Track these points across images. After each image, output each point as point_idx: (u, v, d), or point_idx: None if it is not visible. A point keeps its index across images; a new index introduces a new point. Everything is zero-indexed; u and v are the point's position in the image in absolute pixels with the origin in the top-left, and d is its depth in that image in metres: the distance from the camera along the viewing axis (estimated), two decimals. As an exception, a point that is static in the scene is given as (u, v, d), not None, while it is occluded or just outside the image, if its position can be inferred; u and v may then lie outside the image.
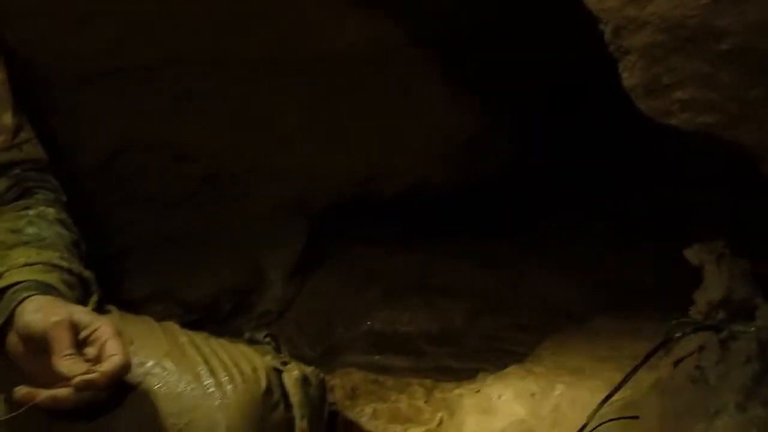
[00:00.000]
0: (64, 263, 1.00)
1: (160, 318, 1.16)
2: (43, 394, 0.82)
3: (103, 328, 0.87)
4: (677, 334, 1.20)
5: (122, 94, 1.48)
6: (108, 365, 0.83)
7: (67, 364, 0.83)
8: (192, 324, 1.45)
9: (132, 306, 1.50)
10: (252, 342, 1.17)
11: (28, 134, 1.17)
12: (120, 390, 0.88)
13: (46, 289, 0.94)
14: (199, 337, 1.05)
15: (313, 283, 1.74)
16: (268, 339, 1.18)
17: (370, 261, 1.84)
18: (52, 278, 0.96)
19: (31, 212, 1.08)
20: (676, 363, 1.18)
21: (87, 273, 1.03)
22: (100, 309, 1.03)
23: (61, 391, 0.82)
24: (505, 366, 1.45)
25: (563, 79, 1.83)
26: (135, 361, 0.94)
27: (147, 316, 1.11)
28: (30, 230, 1.04)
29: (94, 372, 0.83)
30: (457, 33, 1.57)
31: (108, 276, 1.32)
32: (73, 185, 1.28)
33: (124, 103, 1.49)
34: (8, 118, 1.14)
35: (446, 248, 1.93)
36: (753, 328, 1.12)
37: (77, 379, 0.82)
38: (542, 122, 1.95)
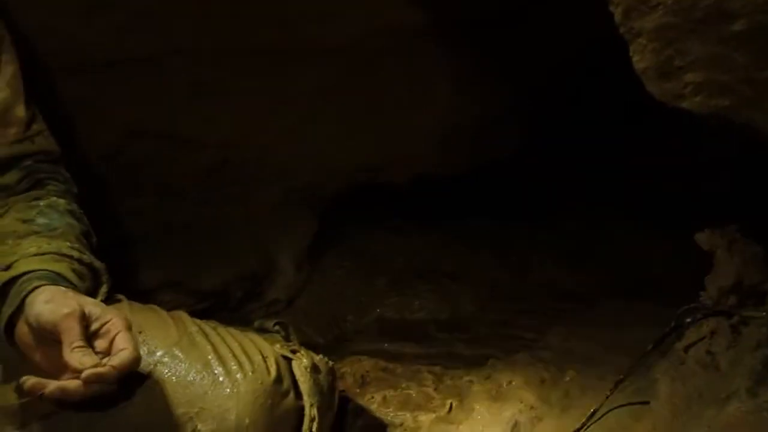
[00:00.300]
0: (74, 253, 1.00)
1: (170, 307, 1.16)
2: (52, 385, 0.83)
3: (113, 320, 0.87)
4: (688, 320, 1.19)
5: (130, 85, 1.48)
6: (118, 359, 0.84)
7: (77, 356, 0.84)
8: (202, 312, 1.46)
9: (142, 295, 1.50)
10: (261, 330, 1.18)
11: (40, 126, 1.17)
12: (130, 380, 0.89)
13: (56, 278, 0.94)
14: (209, 326, 1.06)
15: (322, 270, 1.74)
16: (277, 327, 1.18)
17: (379, 248, 1.84)
18: (62, 268, 0.97)
19: (42, 203, 1.08)
20: (687, 348, 1.17)
21: (97, 263, 1.03)
22: (110, 299, 1.03)
23: (71, 383, 0.83)
24: (515, 352, 1.45)
25: (575, 65, 1.82)
26: (144, 350, 0.94)
27: (156, 306, 1.12)
28: (41, 220, 1.04)
29: (104, 365, 0.83)
30: (467, 19, 1.55)
31: (118, 265, 1.32)
32: (83, 174, 1.28)
33: (131, 94, 1.49)
34: (21, 111, 1.14)
35: (456, 234, 1.93)
36: (764, 313, 1.11)
37: (87, 372, 0.82)
38: (554, 108, 1.94)
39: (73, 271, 0.98)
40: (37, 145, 1.15)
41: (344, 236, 1.85)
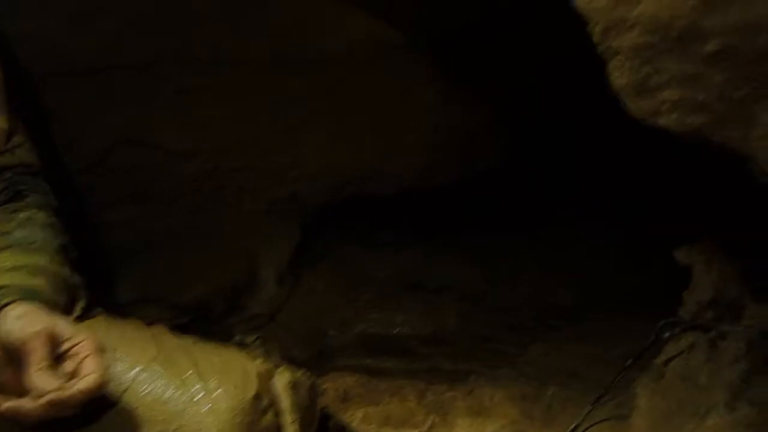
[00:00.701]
0: (51, 267, 0.99)
1: (150, 320, 1.15)
2: (7, 403, 0.81)
3: (84, 342, 0.85)
4: (667, 334, 1.20)
5: (116, 92, 1.47)
6: (82, 384, 0.81)
7: (38, 378, 0.81)
8: (182, 326, 1.45)
9: (122, 308, 1.49)
10: (242, 345, 1.17)
11: (20, 138, 1.16)
12: (102, 401, 0.87)
13: (31, 294, 0.92)
14: (188, 341, 1.05)
15: (305, 283, 1.73)
16: (258, 342, 1.17)
17: (364, 261, 1.84)
18: (38, 283, 0.95)
19: (20, 215, 1.07)
20: (666, 363, 1.18)
21: (75, 278, 1.02)
22: (87, 313, 1.02)
23: (26, 404, 0.80)
24: (498, 367, 1.45)
25: (561, 76, 1.83)
26: (121, 366, 0.93)
27: (135, 320, 1.11)
28: (18, 233, 1.03)
29: (66, 390, 0.81)
30: (454, 31, 1.57)
31: (98, 276, 1.31)
32: (66, 183, 1.27)
33: (117, 101, 1.48)
34: (2, 122, 1.13)
35: (441, 248, 1.93)
36: (741, 328, 1.12)
37: (46, 398, 0.79)
38: (540, 121, 1.95)
39: (49, 286, 0.96)
40: (18, 158, 1.14)
41: (328, 249, 1.84)
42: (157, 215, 1.64)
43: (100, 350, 0.86)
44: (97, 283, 1.12)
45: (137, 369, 0.94)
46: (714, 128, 0.74)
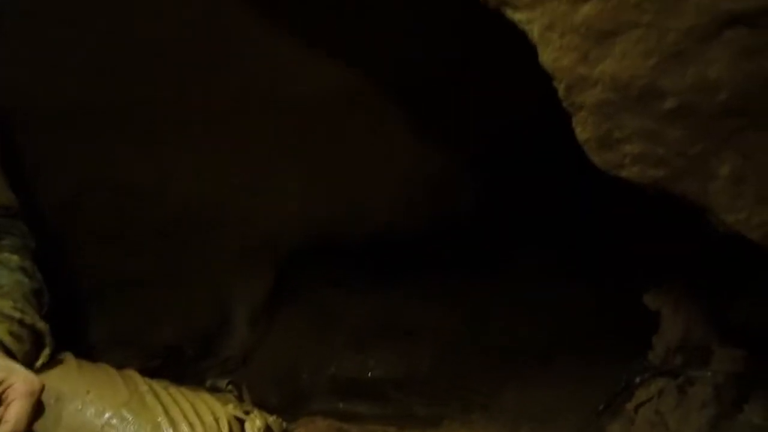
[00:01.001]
0: (16, 314, 0.98)
1: (120, 363, 1.14)
2: None
3: (14, 387, 0.85)
4: (637, 379, 1.22)
5: (89, 136, 1.48)
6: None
7: None
8: (154, 370, 1.43)
9: (92, 350, 1.47)
10: (214, 390, 1.16)
11: None
12: None
13: None
14: (160, 386, 1.04)
15: (278, 326, 1.73)
16: (230, 387, 1.17)
17: (336, 304, 1.84)
18: None
19: None
20: (637, 408, 1.20)
21: (41, 324, 1.01)
22: (55, 358, 1.01)
23: None
24: (471, 412, 1.45)
25: (531, 122, 1.87)
26: (92, 410, 0.93)
27: (106, 364, 1.10)
28: None
29: None
30: (423, 77, 1.60)
31: (69, 318, 1.30)
32: (37, 226, 1.27)
33: (90, 145, 1.49)
34: None
35: (413, 290, 1.93)
36: (709, 373, 1.14)
37: None
38: (509, 164, 1.99)
39: (11, 333, 0.96)
40: None
41: (301, 292, 1.84)
42: (128, 258, 1.63)
43: (30, 395, 0.85)
44: (67, 324, 1.11)
45: (109, 414, 0.94)
46: (673, 181, 0.78)
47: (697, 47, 0.72)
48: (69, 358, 1.05)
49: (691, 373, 1.17)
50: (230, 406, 1.06)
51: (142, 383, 1.04)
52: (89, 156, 1.50)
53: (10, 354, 0.92)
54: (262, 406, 1.17)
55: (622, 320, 1.74)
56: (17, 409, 0.83)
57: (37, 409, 0.88)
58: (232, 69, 1.49)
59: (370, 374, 1.64)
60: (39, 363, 0.98)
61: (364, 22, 1.45)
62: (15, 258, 1.08)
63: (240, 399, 1.15)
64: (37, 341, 1.00)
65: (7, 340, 0.94)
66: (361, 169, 1.69)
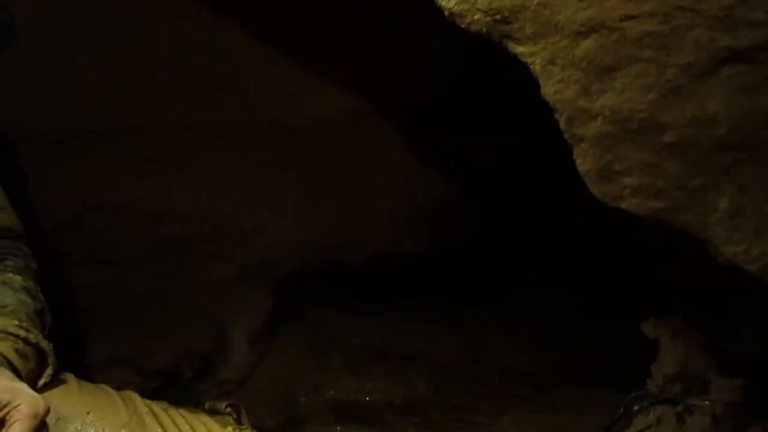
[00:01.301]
0: (20, 332, 0.98)
1: (119, 384, 1.14)
2: None
3: (18, 408, 0.84)
4: (635, 407, 1.22)
5: (88, 158, 1.50)
6: None
7: None
8: (152, 391, 1.43)
9: (91, 371, 1.47)
10: (213, 412, 1.15)
11: (1, 203, 1.16)
12: None
13: None
14: (159, 407, 1.04)
15: (276, 349, 1.72)
16: (228, 409, 1.16)
17: (335, 327, 1.84)
18: (4, 347, 0.94)
19: None
20: (636, 436, 1.20)
21: (44, 343, 1.01)
22: (56, 378, 1.01)
23: None
24: (469, 438, 1.45)
25: (528, 148, 1.89)
26: (92, 431, 0.92)
27: (106, 385, 1.09)
28: None
29: None
30: (422, 103, 1.62)
31: (68, 338, 1.30)
32: (37, 245, 1.27)
33: (90, 167, 1.50)
34: None
35: (412, 314, 1.94)
36: (707, 402, 1.14)
37: None
38: (508, 190, 2.00)
39: (16, 351, 0.96)
40: None
41: (299, 314, 1.85)
42: (125, 279, 1.64)
43: (33, 417, 0.85)
44: (66, 345, 1.11)
45: (107, 436, 0.94)
46: (673, 213, 0.79)
47: (696, 82, 0.73)
48: (70, 378, 1.05)
49: (689, 401, 1.17)
50: (229, 429, 1.05)
51: (142, 405, 1.03)
52: (90, 177, 1.52)
53: (15, 371, 0.93)
54: (260, 428, 1.17)
55: (620, 348, 1.75)
56: (18, 430, 0.84)
57: (39, 430, 0.88)
58: (233, 92, 1.50)
59: (368, 398, 1.64)
60: (41, 382, 0.98)
61: (364, 49, 1.47)
62: (18, 278, 1.09)
63: (238, 421, 1.14)
64: (40, 360, 1.00)
65: (13, 357, 0.94)
66: (361, 193, 1.70)
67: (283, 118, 1.56)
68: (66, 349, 1.10)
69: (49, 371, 0.99)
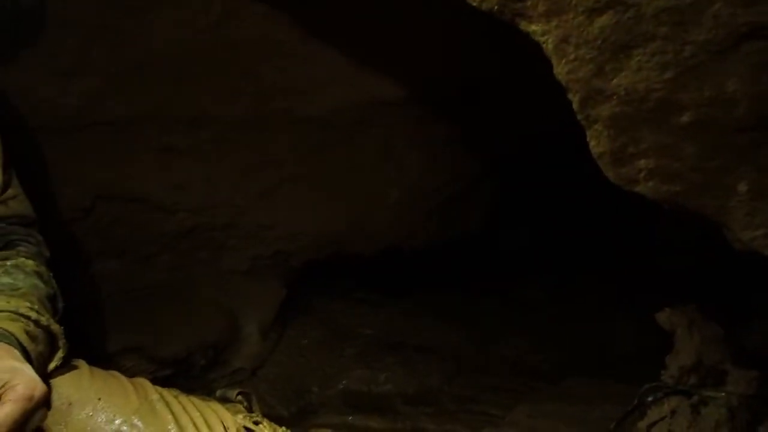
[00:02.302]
0: (32, 314, 0.98)
1: (132, 373, 1.14)
2: None
3: (14, 388, 0.85)
4: (650, 398, 1.20)
5: (102, 148, 1.49)
6: None
7: None
8: (164, 379, 1.43)
9: (104, 359, 1.47)
10: (224, 400, 1.15)
11: (15, 191, 1.17)
12: None
13: (7, 337, 0.92)
14: (171, 394, 1.04)
15: (289, 339, 1.72)
16: (240, 397, 1.16)
17: (347, 318, 1.84)
18: (15, 328, 0.95)
19: (9, 263, 1.07)
20: (650, 427, 1.18)
21: (55, 327, 1.01)
22: (67, 364, 1.01)
23: None
24: (480, 429, 1.44)
25: (542, 140, 1.88)
26: (103, 417, 0.92)
27: (117, 372, 1.10)
28: (5, 279, 1.03)
29: None
30: (437, 96, 1.61)
31: (82, 328, 1.30)
32: (51, 236, 1.27)
33: (103, 156, 1.50)
34: None
35: (424, 306, 1.93)
36: (723, 394, 1.13)
37: None
38: (521, 184, 1.99)
39: (27, 332, 0.96)
40: (11, 209, 1.15)
41: (312, 305, 1.84)
42: (141, 269, 1.64)
43: (27, 399, 0.85)
44: (80, 333, 1.11)
45: (119, 420, 0.94)
46: (689, 197, 0.77)
47: (714, 60, 0.71)
48: (82, 364, 1.05)
49: (705, 393, 1.16)
50: (240, 416, 1.05)
51: (153, 392, 1.03)
52: (102, 170, 1.51)
53: (24, 353, 0.93)
54: (272, 417, 1.16)
55: (634, 341, 1.73)
56: (7, 410, 0.83)
57: (46, 413, 0.88)
58: (247, 83, 1.50)
59: (380, 389, 1.63)
60: (52, 365, 0.98)
61: (377, 43, 1.46)
62: (31, 263, 1.09)
63: (249, 410, 1.14)
64: (51, 343, 1.00)
65: (23, 338, 0.95)
66: (373, 186, 1.70)
67: (297, 109, 1.55)
68: (80, 338, 1.10)
69: (59, 354, 1.00)
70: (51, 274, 1.12)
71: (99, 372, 1.06)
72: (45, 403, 0.90)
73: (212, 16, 1.42)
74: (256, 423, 1.05)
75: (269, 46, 1.45)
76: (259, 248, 1.71)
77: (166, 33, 1.40)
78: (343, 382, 1.64)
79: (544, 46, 0.76)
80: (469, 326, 1.90)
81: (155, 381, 1.09)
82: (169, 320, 1.58)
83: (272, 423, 1.09)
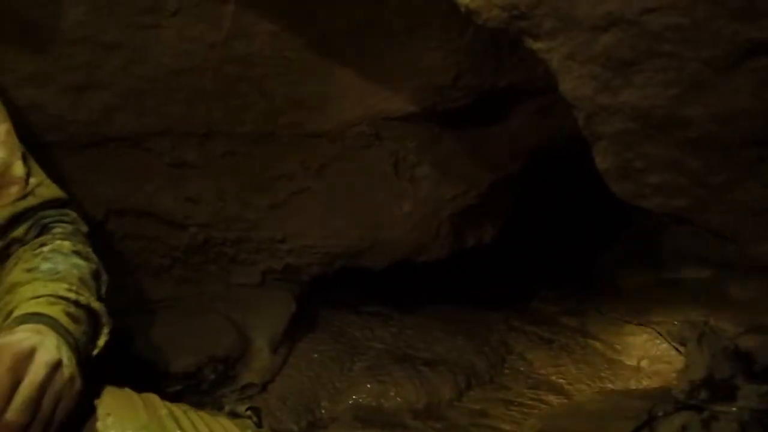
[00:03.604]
0: (71, 295, 0.99)
1: (140, 388, 1.14)
2: None
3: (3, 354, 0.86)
4: (660, 413, 1.20)
5: (113, 163, 1.51)
6: None
7: None
8: (174, 395, 1.43)
9: (114, 375, 1.48)
10: (233, 415, 1.16)
11: (38, 179, 1.17)
12: None
13: (41, 319, 0.93)
14: (179, 410, 1.04)
15: (299, 353, 1.72)
16: (249, 413, 1.16)
17: (357, 332, 1.84)
18: (54, 310, 0.95)
19: (46, 249, 1.07)
20: (661, 443, 1.17)
21: (96, 305, 1.02)
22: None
23: None
24: (491, 442, 1.43)
25: (551, 154, 1.88)
26: (112, 433, 0.93)
27: (127, 387, 1.10)
28: (45, 266, 1.03)
29: None
30: (446, 110, 1.61)
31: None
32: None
33: (115, 172, 1.52)
34: (19, 168, 1.14)
35: (435, 319, 1.93)
36: (734, 409, 1.12)
37: None
38: (533, 196, 1.99)
39: (68, 314, 0.96)
40: (40, 197, 1.15)
41: (322, 319, 1.84)
42: (151, 283, 1.65)
43: (10, 367, 0.85)
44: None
45: (127, 437, 0.94)
46: (696, 212, 0.77)
47: (718, 76, 0.71)
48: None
49: (716, 408, 1.15)
50: (248, 432, 1.05)
51: (162, 407, 1.04)
52: (114, 184, 1.53)
53: (68, 334, 0.93)
54: (281, 432, 1.16)
55: (644, 355, 1.72)
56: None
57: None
58: (258, 98, 1.51)
59: (390, 403, 1.62)
60: (101, 342, 1.00)
61: (387, 55, 1.47)
62: (67, 244, 1.09)
63: (259, 425, 1.14)
64: (94, 322, 1.01)
65: (65, 320, 0.95)
66: (384, 199, 1.70)
67: (307, 123, 1.56)
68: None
69: (105, 330, 1.00)
70: (90, 249, 1.12)
71: (108, 388, 1.06)
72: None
73: (222, 33, 1.43)
74: (265, 439, 1.06)
75: (279, 62, 1.47)
76: (270, 262, 1.72)
77: (176, 49, 1.41)
78: (353, 396, 1.63)
79: (549, 63, 0.77)
80: (479, 338, 1.89)
81: (164, 396, 1.09)
82: (179, 335, 1.59)
83: (281, 438, 1.09)
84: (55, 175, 1.43)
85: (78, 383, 0.92)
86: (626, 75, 0.73)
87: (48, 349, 0.89)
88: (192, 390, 1.52)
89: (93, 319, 1.01)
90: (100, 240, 1.53)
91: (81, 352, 0.95)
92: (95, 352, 1.00)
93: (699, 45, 0.70)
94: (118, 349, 1.55)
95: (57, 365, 0.89)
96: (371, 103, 1.55)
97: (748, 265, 0.81)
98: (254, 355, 1.64)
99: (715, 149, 0.74)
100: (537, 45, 0.76)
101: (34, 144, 1.39)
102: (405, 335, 1.85)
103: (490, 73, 1.55)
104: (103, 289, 1.09)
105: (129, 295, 1.61)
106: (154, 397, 1.07)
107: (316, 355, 1.72)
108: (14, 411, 0.84)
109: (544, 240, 2.10)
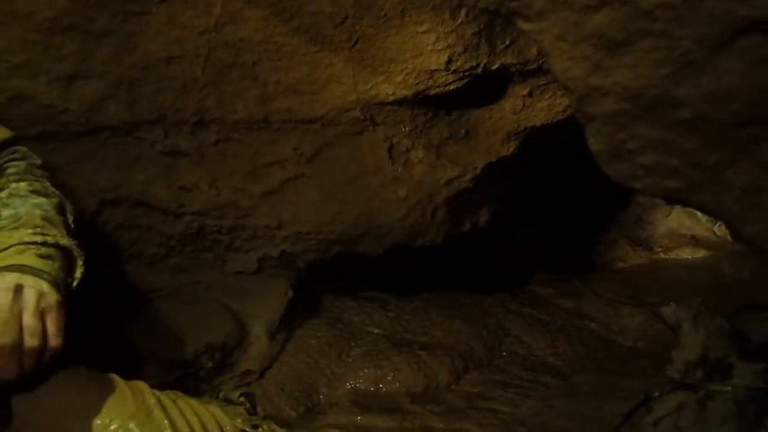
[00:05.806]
0: (37, 238, 0.98)
1: (139, 377, 1.14)
2: None
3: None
4: (656, 393, 1.20)
5: (106, 152, 1.50)
6: None
7: None
8: (172, 383, 1.43)
9: (111, 363, 1.48)
10: (227, 402, 1.16)
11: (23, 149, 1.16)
12: None
13: (22, 270, 0.93)
14: (169, 398, 1.04)
15: (296, 340, 1.72)
16: (242, 399, 1.16)
17: (355, 317, 1.84)
18: (25, 258, 0.95)
19: (3, 194, 1.06)
20: (657, 423, 1.18)
21: (64, 241, 1.00)
22: (63, 372, 1.01)
23: None
24: (490, 426, 1.43)
25: (546, 137, 1.87)
26: (99, 422, 0.93)
27: (116, 375, 1.10)
28: (5, 213, 1.03)
29: None
30: (439, 93, 1.60)
31: (87, 330, 1.30)
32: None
33: (108, 161, 1.51)
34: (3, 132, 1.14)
35: (433, 304, 1.93)
36: (729, 388, 1.12)
37: None
38: (529, 180, 1.98)
39: (39, 256, 0.96)
40: (7, 133, 1.14)
41: (318, 305, 1.84)
42: (147, 271, 1.65)
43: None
44: (85, 337, 1.12)
45: (114, 426, 0.94)
46: (689, 192, 0.76)
47: (711, 56, 0.71)
48: (80, 369, 1.05)
49: (711, 387, 1.15)
50: (239, 420, 1.05)
51: (150, 396, 1.04)
52: (108, 171, 1.52)
53: (46, 275, 0.93)
54: (280, 419, 1.16)
55: (641, 336, 1.73)
56: None
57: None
58: (255, 87, 1.50)
59: (387, 388, 1.63)
60: (78, 273, 0.99)
61: (378, 40, 1.46)
62: (23, 185, 1.08)
63: (253, 411, 1.14)
64: (68, 256, 1.00)
65: (38, 263, 0.94)
66: (378, 184, 1.69)
67: (299, 109, 1.55)
68: (85, 342, 1.10)
69: (79, 263, 1.00)
70: (48, 182, 1.11)
71: (96, 375, 1.06)
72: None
73: (212, 18, 1.42)
74: (255, 426, 1.06)
75: (270, 47, 1.46)
76: (266, 249, 1.72)
77: (167, 36, 1.40)
78: (351, 381, 1.63)
79: (540, 44, 0.76)
80: (476, 322, 1.89)
81: (163, 385, 1.09)
82: (177, 323, 1.59)
83: (273, 425, 1.09)
84: (47, 165, 1.44)
85: (62, 306, 0.93)
86: (618, 55, 0.72)
87: (5, 280, 0.90)
88: (191, 377, 1.52)
89: (66, 253, 1.00)
90: (93, 231, 1.54)
91: (61, 286, 0.95)
92: (75, 284, 0.99)
93: (691, 24, 0.69)
94: (114, 338, 1.56)
95: (18, 288, 0.90)
96: (363, 88, 1.54)
97: (741, 245, 0.81)
98: (252, 342, 1.64)
99: (708, 130, 0.73)
100: (528, 26, 0.75)
101: (26, 135, 1.39)
102: (402, 320, 1.85)
103: (482, 56, 1.54)
104: (71, 219, 1.07)
105: (124, 285, 1.61)
106: (143, 386, 1.07)
107: (313, 342, 1.72)
108: None
109: (540, 223, 2.10)
